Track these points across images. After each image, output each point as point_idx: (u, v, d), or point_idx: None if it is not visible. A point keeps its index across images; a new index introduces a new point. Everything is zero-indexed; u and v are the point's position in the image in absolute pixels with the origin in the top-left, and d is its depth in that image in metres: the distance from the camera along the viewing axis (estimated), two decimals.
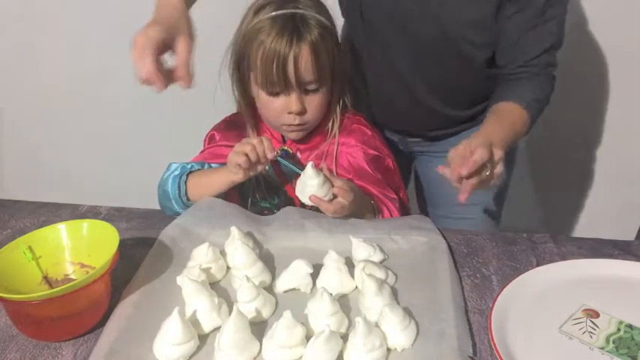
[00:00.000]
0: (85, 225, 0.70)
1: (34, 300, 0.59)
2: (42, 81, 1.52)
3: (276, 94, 0.83)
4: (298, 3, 0.81)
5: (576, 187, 1.50)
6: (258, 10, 0.81)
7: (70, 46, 1.46)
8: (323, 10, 0.84)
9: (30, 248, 0.68)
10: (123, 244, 0.65)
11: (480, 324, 0.63)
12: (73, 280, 0.66)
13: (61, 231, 0.69)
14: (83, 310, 0.63)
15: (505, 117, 0.80)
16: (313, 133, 0.89)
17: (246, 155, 0.77)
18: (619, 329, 0.62)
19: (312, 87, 0.82)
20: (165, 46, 0.67)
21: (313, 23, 0.80)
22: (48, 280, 0.68)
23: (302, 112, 0.83)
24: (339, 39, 0.87)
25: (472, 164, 0.65)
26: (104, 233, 0.67)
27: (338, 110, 0.89)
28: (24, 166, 1.68)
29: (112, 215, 0.86)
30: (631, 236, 1.45)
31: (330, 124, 0.89)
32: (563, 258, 0.73)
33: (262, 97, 0.84)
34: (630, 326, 0.62)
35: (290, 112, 0.83)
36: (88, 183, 1.55)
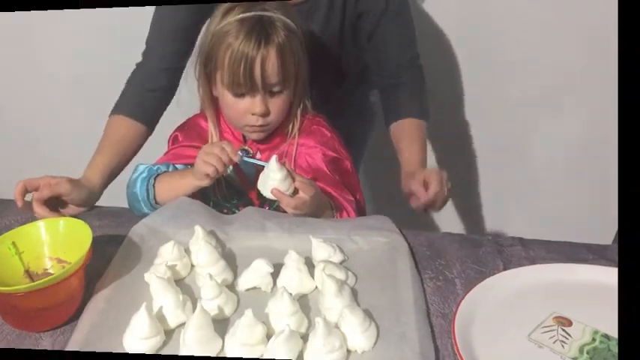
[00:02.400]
0: (62, 222, 0.74)
1: (21, 292, 0.63)
2: (42, 80, 1.53)
3: (241, 96, 0.84)
4: (265, 6, 0.82)
5: (551, 189, 1.46)
6: (226, 12, 0.82)
7: (70, 45, 1.47)
8: (290, 13, 0.84)
9: (14, 244, 0.71)
10: (95, 241, 0.67)
11: (442, 327, 0.62)
12: (52, 274, 0.70)
13: (41, 228, 0.73)
14: (61, 303, 0.66)
15: (417, 139, 0.95)
16: (274, 134, 0.90)
17: (214, 165, 0.79)
18: (594, 339, 0.60)
19: (276, 89, 0.84)
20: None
21: (280, 26, 0.81)
22: (29, 274, 0.72)
23: (265, 114, 0.85)
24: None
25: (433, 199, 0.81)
26: (78, 230, 0.70)
27: (299, 112, 0.91)
28: (25, 166, 1.70)
29: (84, 213, 0.88)
30: (608, 241, 1.40)
31: (290, 125, 0.91)
32: (532, 262, 0.71)
33: (227, 98, 0.85)
34: (607, 336, 0.60)
35: (254, 114, 0.84)
36: None
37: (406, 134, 0.96)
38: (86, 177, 0.89)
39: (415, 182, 0.82)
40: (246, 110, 0.84)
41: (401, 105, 0.99)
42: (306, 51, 0.86)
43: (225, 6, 0.83)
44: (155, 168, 0.88)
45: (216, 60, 0.83)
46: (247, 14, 0.80)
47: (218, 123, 0.92)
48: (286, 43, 0.81)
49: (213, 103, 0.90)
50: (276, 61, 0.80)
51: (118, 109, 0.97)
